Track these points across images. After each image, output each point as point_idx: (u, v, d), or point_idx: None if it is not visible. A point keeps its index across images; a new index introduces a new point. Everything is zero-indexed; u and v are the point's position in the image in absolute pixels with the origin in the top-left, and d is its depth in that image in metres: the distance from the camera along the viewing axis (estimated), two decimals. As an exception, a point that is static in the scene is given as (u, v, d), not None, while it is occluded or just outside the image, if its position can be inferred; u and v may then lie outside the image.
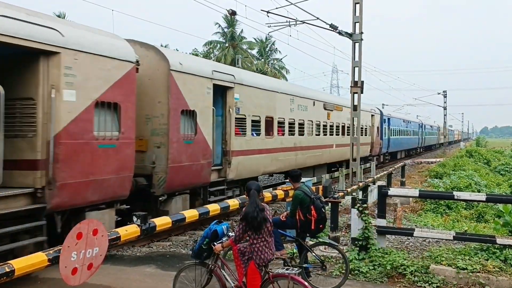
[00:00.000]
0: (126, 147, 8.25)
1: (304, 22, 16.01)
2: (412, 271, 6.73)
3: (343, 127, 22.32)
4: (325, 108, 19.57)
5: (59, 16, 31.85)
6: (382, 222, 7.98)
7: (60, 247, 4.64)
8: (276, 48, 51.53)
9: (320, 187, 10.49)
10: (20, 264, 4.50)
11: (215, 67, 11.65)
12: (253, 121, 13.18)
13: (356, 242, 7.49)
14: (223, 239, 5.14)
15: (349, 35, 14.89)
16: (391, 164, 31.46)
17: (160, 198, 9.58)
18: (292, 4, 15.04)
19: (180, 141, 9.80)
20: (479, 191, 15.52)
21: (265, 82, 14.79)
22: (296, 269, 5.14)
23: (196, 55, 40.10)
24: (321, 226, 6.58)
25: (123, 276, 7.05)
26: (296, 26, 16.53)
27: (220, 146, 11.92)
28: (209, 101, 10.93)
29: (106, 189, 7.78)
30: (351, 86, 15.08)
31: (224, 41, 46.37)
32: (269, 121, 14.36)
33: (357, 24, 14.63)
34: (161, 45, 29.06)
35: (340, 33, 15.29)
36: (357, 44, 14.74)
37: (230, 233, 5.20)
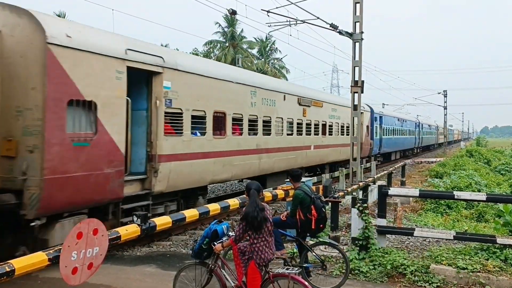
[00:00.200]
0: None
1: (304, 22, 16.00)
2: (412, 270, 6.74)
3: (323, 125, 19.40)
4: (300, 104, 16.70)
5: (59, 16, 31.83)
6: (382, 222, 7.98)
7: (60, 247, 4.64)
8: (276, 48, 51.65)
9: (321, 186, 10.50)
10: (20, 264, 4.49)
11: (131, 44, 8.74)
12: (194, 117, 10.49)
13: (356, 242, 7.49)
14: (223, 239, 5.14)
15: (350, 35, 14.88)
16: (384, 166, 29.01)
17: (33, 223, 6.80)
18: (292, 3, 15.03)
19: (65, 143, 7.19)
20: (479, 191, 15.50)
21: (213, 68, 11.95)
22: (297, 268, 5.15)
23: (197, 54, 40.13)
24: (321, 225, 6.59)
25: (123, 275, 7.05)
26: (297, 26, 16.52)
27: (144, 149, 9.33)
28: (120, 89, 8.29)
29: None
30: (351, 86, 15.09)
31: (224, 40, 46.40)
32: (220, 118, 11.67)
33: (357, 24, 14.63)
34: (161, 45, 29.00)
35: (340, 32, 15.29)
36: (357, 44, 14.74)
37: (230, 233, 5.20)
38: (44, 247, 5.87)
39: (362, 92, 14.80)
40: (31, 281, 6.56)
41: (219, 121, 11.66)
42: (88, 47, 7.70)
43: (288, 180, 8.39)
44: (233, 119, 12.27)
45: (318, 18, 15.60)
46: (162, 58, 9.43)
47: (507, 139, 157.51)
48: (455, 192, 8.86)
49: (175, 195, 10.23)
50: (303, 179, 7.15)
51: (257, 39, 49.67)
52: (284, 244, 7.09)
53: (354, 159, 15.39)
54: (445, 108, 51.79)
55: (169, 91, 9.57)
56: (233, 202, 8.02)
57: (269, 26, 17.09)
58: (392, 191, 8.55)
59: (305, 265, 6.41)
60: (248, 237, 4.89)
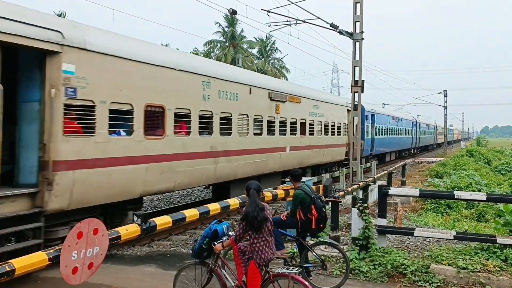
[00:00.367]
0: None
1: (304, 22, 16.02)
2: (412, 270, 6.73)
3: (303, 124, 16.91)
4: (271, 98, 14.30)
5: (59, 15, 31.84)
6: (382, 222, 7.99)
7: (60, 247, 4.65)
8: (277, 48, 51.68)
9: (321, 186, 10.50)
10: (21, 264, 4.50)
11: (3, 10, 6.55)
12: (115, 111, 8.25)
13: (356, 242, 7.49)
14: (224, 239, 5.14)
15: (350, 35, 14.89)
16: (378, 168, 24.00)
17: None
18: (292, 3, 15.04)
19: None
20: (479, 191, 15.50)
21: (145, 51, 9.32)
22: (297, 268, 5.15)
23: (197, 54, 40.11)
24: (321, 225, 6.59)
25: (123, 275, 7.05)
26: (297, 26, 16.54)
27: (36, 154, 7.18)
28: None
29: None
30: (351, 86, 15.09)
31: (224, 40, 46.40)
32: (156, 113, 9.38)
33: (358, 24, 14.64)
34: (161, 44, 29.00)
35: (340, 32, 15.30)
36: (357, 44, 14.75)
37: (230, 233, 5.20)
38: None
39: (362, 92, 14.80)
40: (31, 281, 6.56)
41: (154, 117, 9.32)
42: None
43: (288, 180, 8.39)
44: (177, 115, 9.85)
45: (318, 18, 15.61)
46: (61, 33, 7.22)
47: (507, 139, 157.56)
48: (455, 192, 8.86)
49: (92, 211, 7.94)
50: (303, 179, 7.16)
51: (257, 39, 49.69)
52: (284, 244, 7.09)
53: (354, 159, 15.44)
54: (446, 108, 51.79)
55: (73, 77, 7.35)
56: (233, 202, 8.02)
57: (269, 26, 17.11)
58: (392, 191, 8.56)
59: (305, 265, 6.41)
60: (248, 237, 4.89)
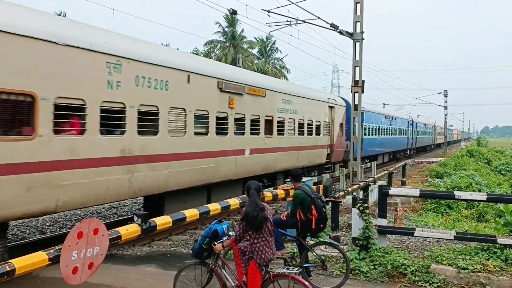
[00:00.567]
0: None
1: (304, 22, 16.01)
2: (412, 270, 6.73)
3: (269, 122, 14.15)
4: (222, 90, 11.43)
5: (59, 15, 31.85)
6: (382, 222, 7.99)
7: (60, 246, 4.64)
8: (277, 48, 51.72)
9: (321, 186, 10.49)
10: (21, 263, 4.49)
11: None
12: None
13: (356, 242, 7.49)
14: (224, 239, 5.14)
15: (350, 35, 14.89)
16: (367, 172, 21.30)
17: None
18: (292, 3, 15.03)
19: None
20: (479, 191, 15.52)
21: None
22: (297, 268, 5.14)
23: (197, 54, 40.08)
24: (321, 225, 6.59)
25: (123, 275, 7.06)
26: (297, 26, 16.53)
27: None
28: None
29: None
30: (351, 86, 15.09)
31: (224, 40, 46.41)
32: (19, 105, 6.69)
33: (358, 24, 14.65)
34: (162, 44, 29.04)
35: (341, 32, 15.30)
36: (357, 44, 14.76)
37: (230, 233, 5.20)
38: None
39: (362, 92, 14.82)
40: (31, 281, 6.56)
41: (16, 111, 6.69)
42: None
43: (289, 180, 8.40)
44: (59, 108, 7.18)
45: (318, 18, 15.61)
46: None
47: (508, 139, 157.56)
48: (455, 192, 8.86)
49: None
50: (304, 179, 7.16)
51: (258, 39, 49.73)
52: (285, 244, 7.09)
53: (355, 159, 15.47)
54: (446, 108, 51.81)
55: None
56: (234, 202, 8.02)
57: (269, 26, 17.10)
58: (392, 191, 8.55)
59: (305, 265, 6.41)
60: (248, 237, 4.89)
